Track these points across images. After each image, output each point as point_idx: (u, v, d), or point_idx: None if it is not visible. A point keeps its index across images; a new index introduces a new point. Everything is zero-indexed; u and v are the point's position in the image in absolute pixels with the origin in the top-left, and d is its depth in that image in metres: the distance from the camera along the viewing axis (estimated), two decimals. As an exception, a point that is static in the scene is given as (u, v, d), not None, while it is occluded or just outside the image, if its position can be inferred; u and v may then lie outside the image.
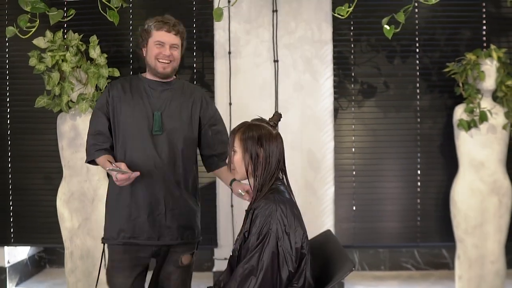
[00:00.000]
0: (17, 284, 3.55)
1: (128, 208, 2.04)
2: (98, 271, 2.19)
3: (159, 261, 2.13)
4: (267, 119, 1.77)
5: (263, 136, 1.69)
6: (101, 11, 2.74)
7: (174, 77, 2.17)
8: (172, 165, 2.05)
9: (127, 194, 2.03)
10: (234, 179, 2.08)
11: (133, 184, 1.97)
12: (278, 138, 1.73)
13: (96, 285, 2.25)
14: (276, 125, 1.77)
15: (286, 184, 1.76)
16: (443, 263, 3.75)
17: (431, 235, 3.39)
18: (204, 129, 2.18)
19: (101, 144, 2.07)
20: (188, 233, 2.11)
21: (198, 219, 2.17)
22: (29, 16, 2.65)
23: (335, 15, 2.56)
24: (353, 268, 1.59)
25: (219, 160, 2.19)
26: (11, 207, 3.45)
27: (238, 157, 1.71)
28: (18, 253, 3.62)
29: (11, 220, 3.45)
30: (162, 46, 2.05)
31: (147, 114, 2.05)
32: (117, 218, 2.05)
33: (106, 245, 2.14)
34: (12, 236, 3.46)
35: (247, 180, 1.78)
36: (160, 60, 2.05)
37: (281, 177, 1.75)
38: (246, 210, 1.71)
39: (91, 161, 2.11)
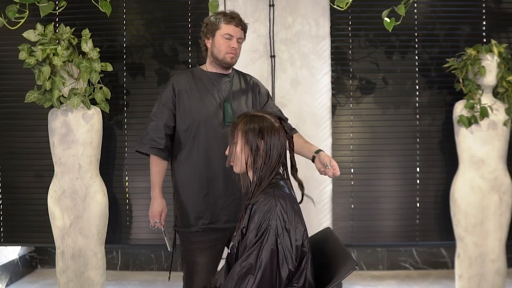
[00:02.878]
0: (7, 285, 3.46)
1: (205, 195, 2.13)
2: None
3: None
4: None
5: (264, 128, 1.63)
6: (93, 1, 2.66)
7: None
8: None
9: (204, 182, 2.13)
10: (319, 150, 1.98)
11: (208, 172, 2.12)
12: (280, 131, 1.66)
13: (170, 273, 2.29)
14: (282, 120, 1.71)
15: (286, 178, 1.69)
16: (441, 262, 3.71)
17: (431, 233, 3.34)
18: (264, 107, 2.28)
19: (158, 142, 2.15)
20: None
21: None
22: (18, 6, 2.56)
23: (335, 6, 2.50)
24: (356, 267, 1.53)
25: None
26: (1, 206, 3.37)
27: (238, 148, 1.65)
28: (9, 253, 3.54)
29: (1, 219, 3.37)
30: (231, 39, 2.16)
31: (218, 105, 2.15)
32: (195, 205, 2.15)
33: (177, 231, 2.24)
34: (1, 235, 3.38)
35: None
36: (229, 52, 2.16)
37: (281, 172, 1.69)
38: (244, 205, 1.64)
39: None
